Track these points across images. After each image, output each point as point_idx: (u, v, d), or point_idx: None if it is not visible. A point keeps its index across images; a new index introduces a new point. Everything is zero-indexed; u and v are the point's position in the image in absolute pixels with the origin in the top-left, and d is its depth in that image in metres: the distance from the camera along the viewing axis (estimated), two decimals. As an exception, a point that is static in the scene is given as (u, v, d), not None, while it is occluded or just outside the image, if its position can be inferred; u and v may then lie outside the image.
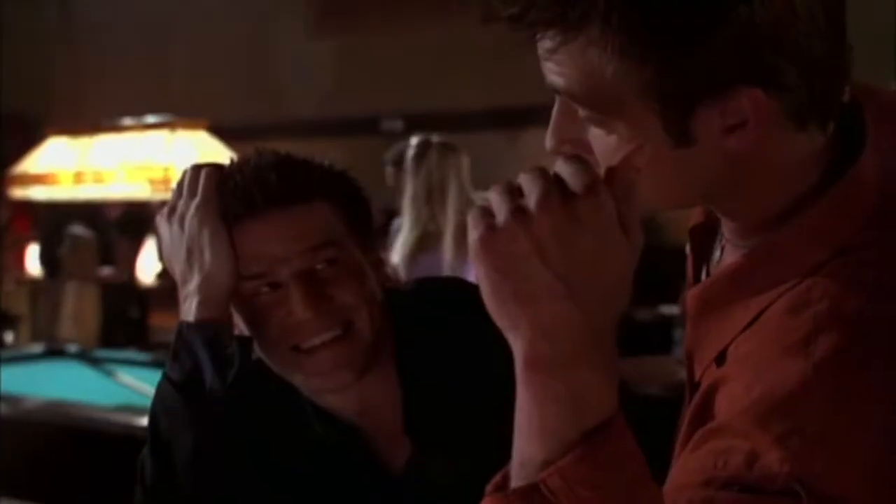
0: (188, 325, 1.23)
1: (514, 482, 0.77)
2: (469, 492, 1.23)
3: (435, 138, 3.81)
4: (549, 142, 0.94)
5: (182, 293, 1.24)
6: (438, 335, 1.28)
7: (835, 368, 0.83)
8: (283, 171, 1.23)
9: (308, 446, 1.29)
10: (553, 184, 0.75)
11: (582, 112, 0.90)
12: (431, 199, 3.64)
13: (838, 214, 0.91)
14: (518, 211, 0.74)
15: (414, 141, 3.81)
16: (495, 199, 0.76)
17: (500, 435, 1.21)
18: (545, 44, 0.88)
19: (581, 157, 0.80)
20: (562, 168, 0.76)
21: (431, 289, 1.34)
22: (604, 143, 0.90)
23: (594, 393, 0.74)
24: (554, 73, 0.89)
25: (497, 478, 0.79)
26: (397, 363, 1.27)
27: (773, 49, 0.86)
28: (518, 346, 0.75)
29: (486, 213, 0.76)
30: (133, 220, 6.14)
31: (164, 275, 7.00)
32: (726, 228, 1.01)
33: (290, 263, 1.21)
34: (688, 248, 1.09)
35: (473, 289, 1.33)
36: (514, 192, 0.75)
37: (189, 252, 1.23)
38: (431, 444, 1.25)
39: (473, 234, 0.75)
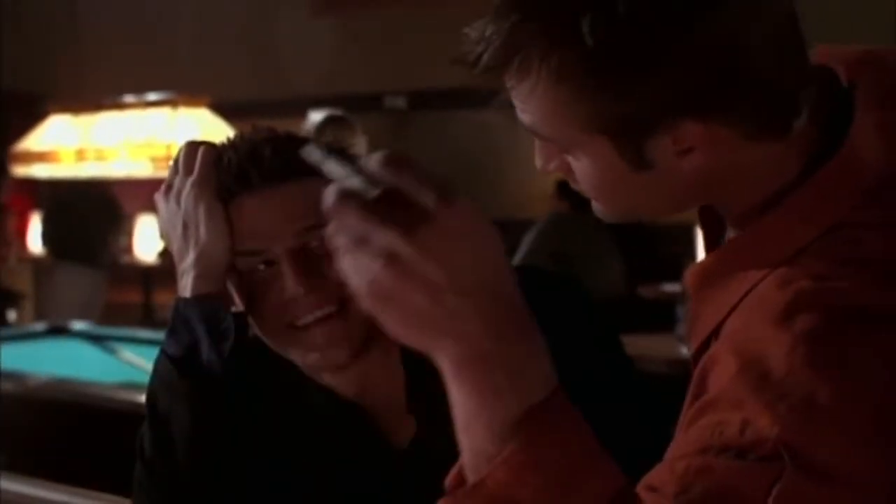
0: (185, 300, 1.23)
1: (469, 476, 0.78)
2: None
3: (334, 113, 3.77)
4: (537, 163, 1.01)
5: (179, 269, 1.25)
6: None
7: (814, 345, 0.85)
8: (278, 148, 1.23)
9: (309, 423, 1.29)
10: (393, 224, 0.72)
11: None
12: None
13: (825, 196, 0.94)
14: (385, 256, 0.73)
15: (314, 118, 3.76)
16: (358, 259, 0.74)
17: None
18: (506, 84, 0.95)
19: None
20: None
21: None
22: (577, 168, 0.98)
23: (525, 374, 0.76)
24: (518, 109, 0.96)
25: (454, 472, 0.80)
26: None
27: (717, 80, 0.89)
28: (442, 358, 0.77)
29: (359, 268, 0.74)
30: None
31: (166, 253, 6.99)
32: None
33: (284, 240, 1.21)
34: (699, 227, 1.12)
35: None
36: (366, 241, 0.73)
37: (185, 228, 1.24)
38: (435, 422, 1.25)
39: (361, 291, 0.75)
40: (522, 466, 0.74)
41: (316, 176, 1.23)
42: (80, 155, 4.97)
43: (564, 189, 5.72)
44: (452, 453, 1.23)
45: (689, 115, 0.91)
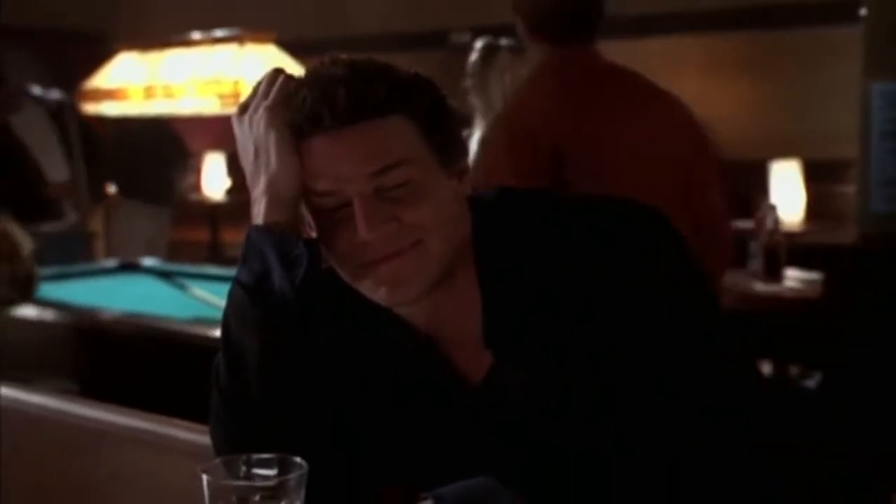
0: (256, 228, 1.21)
1: None
2: (546, 403, 1.22)
3: (503, 41, 3.69)
4: None
5: (252, 196, 1.23)
6: (520, 245, 1.23)
7: None
8: (354, 86, 1.17)
9: (381, 355, 1.28)
10: None
11: None
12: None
13: None
14: None
15: (479, 44, 3.69)
16: None
17: (579, 346, 1.20)
18: None
19: None
20: None
21: (514, 197, 1.29)
22: None
23: None
24: None
25: None
26: (478, 273, 1.24)
27: None
28: None
29: None
30: None
31: (234, 191, 7.05)
32: None
33: (357, 184, 1.17)
34: None
35: (555, 198, 1.30)
36: None
37: (256, 153, 1.22)
38: (511, 355, 1.23)
39: None
40: None
41: (390, 114, 1.20)
42: (149, 92, 5.00)
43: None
44: (527, 388, 1.22)
45: None
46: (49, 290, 3.87)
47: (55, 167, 5.29)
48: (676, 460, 1.17)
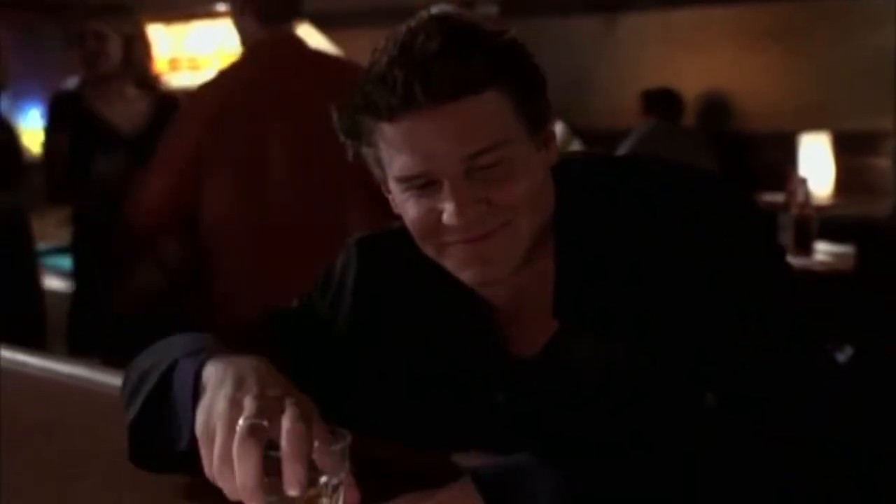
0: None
1: None
2: (608, 373, 1.18)
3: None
4: None
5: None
6: (599, 216, 1.18)
7: None
8: (449, 63, 1.08)
9: (440, 317, 1.26)
10: None
11: None
12: None
13: None
14: None
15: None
16: None
17: (648, 317, 1.15)
18: None
19: None
20: None
21: (600, 168, 1.23)
22: None
23: None
24: None
25: None
26: (556, 244, 1.19)
27: None
28: None
29: None
30: None
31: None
32: None
33: (450, 164, 1.10)
34: None
35: (640, 167, 1.25)
36: None
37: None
38: (577, 326, 1.19)
39: None
40: None
41: (486, 90, 1.10)
42: (174, 65, 5.00)
43: (652, 101, 5.60)
44: (589, 357, 1.18)
45: None
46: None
47: None
48: (731, 437, 1.11)
